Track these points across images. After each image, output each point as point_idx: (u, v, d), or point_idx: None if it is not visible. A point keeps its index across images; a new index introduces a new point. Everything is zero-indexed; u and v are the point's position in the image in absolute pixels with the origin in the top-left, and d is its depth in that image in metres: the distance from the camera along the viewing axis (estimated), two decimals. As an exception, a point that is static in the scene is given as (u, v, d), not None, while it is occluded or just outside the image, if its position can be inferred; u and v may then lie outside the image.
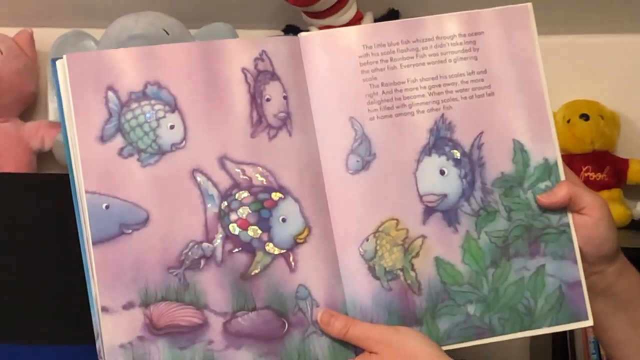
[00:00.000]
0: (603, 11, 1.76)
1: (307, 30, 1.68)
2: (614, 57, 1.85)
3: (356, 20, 1.68)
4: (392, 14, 1.70)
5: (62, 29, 1.68)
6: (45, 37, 1.74)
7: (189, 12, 1.69)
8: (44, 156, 1.74)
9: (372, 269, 0.95)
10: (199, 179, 0.92)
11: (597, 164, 1.76)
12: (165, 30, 1.60)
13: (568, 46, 1.85)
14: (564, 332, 1.55)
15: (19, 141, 1.70)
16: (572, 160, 1.77)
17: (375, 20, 1.69)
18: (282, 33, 1.72)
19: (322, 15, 1.65)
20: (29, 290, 1.29)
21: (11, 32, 1.76)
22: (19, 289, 1.29)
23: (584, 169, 1.76)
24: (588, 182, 1.75)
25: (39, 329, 1.28)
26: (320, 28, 1.67)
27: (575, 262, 0.98)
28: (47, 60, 1.68)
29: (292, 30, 1.71)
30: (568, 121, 1.78)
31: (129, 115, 0.92)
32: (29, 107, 1.78)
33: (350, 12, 1.66)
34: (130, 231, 0.90)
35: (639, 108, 1.84)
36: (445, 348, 0.94)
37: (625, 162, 1.77)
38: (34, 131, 1.72)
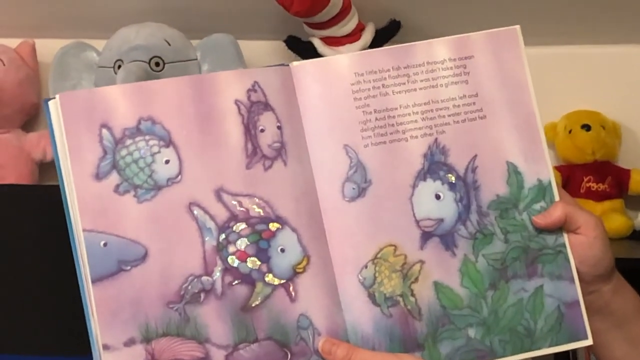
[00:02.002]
0: (604, 22, 1.76)
1: (309, 41, 1.68)
2: (615, 67, 1.84)
3: (357, 31, 1.67)
4: (394, 25, 1.68)
5: (64, 40, 1.68)
6: (47, 48, 1.74)
7: (191, 23, 1.68)
8: (45, 167, 1.73)
9: (372, 296, 0.95)
10: (196, 212, 0.92)
11: (598, 174, 1.75)
12: (166, 41, 1.60)
13: (569, 57, 1.85)
14: (567, 351, 1.54)
15: (21, 152, 1.70)
16: (573, 170, 1.77)
17: (377, 31, 1.69)
18: (284, 44, 1.71)
19: (324, 26, 1.64)
20: (29, 301, 1.30)
21: (13, 43, 1.75)
22: (19, 300, 1.29)
23: (586, 179, 1.75)
24: (590, 193, 1.74)
25: (40, 340, 1.28)
26: (322, 39, 1.66)
27: (573, 281, 0.98)
28: (48, 71, 1.67)
29: (293, 41, 1.70)
30: (569, 131, 1.77)
31: (123, 152, 0.92)
32: (30, 118, 1.77)
33: (351, 23, 1.66)
34: (129, 268, 0.90)
35: (640, 118, 1.84)
36: (447, 373, 0.94)
37: (626, 173, 1.77)
38: (35, 142, 1.71)
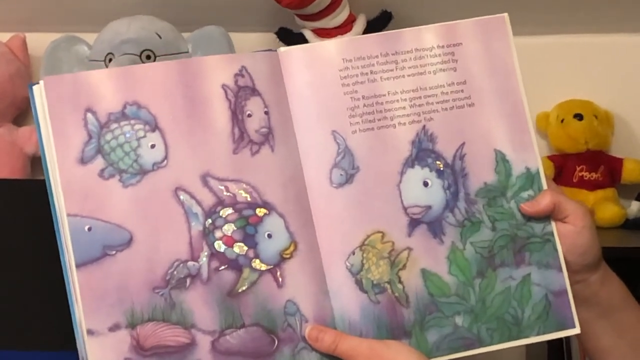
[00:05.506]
0: (596, 11, 1.75)
1: (300, 33, 1.69)
2: (607, 56, 1.84)
3: (349, 22, 1.67)
4: (385, 16, 1.68)
5: (54, 34, 1.68)
6: (38, 42, 1.74)
7: (182, 16, 1.69)
8: (37, 161, 1.73)
9: (359, 283, 0.95)
10: (182, 197, 0.92)
11: (591, 164, 1.76)
12: (157, 34, 1.60)
13: (561, 46, 1.85)
14: (560, 341, 1.54)
15: (13, 146, 1.70)
16: (566, 160, 1.77)
17: (368, 22, 1.69)
18: (275, 36, 1.71)
19: (315, 17, 1.64)
20: (22, 296, 1.29)
21: (3, 37, 1.76)
22: (12, 295, 1.29)
23: (579, 169, 1.75)
24: (582, 182, 1.75)
25: (29, 336, 1.28)
26: (313, 30, 1.67)
27: (560, 270, 0.98)
28: (40, 65, 1.68)
29: (285, 33, 1.71)
30: (562, 121, 1.77)
31: (108, 136, 0.91)
32: (22, 112, 1.77)
33: (343, 14, 1.66)
34: (114, 252, 0.89)
35: (632, 107, 1.84)
36: (434, 360, 0.94)
37: (619, 162, 1.77)
38: (27, 136, 1.71)
